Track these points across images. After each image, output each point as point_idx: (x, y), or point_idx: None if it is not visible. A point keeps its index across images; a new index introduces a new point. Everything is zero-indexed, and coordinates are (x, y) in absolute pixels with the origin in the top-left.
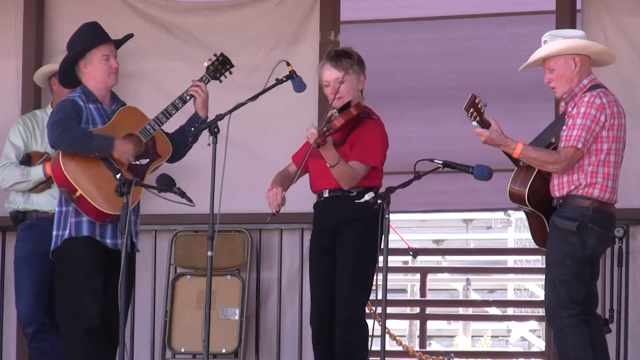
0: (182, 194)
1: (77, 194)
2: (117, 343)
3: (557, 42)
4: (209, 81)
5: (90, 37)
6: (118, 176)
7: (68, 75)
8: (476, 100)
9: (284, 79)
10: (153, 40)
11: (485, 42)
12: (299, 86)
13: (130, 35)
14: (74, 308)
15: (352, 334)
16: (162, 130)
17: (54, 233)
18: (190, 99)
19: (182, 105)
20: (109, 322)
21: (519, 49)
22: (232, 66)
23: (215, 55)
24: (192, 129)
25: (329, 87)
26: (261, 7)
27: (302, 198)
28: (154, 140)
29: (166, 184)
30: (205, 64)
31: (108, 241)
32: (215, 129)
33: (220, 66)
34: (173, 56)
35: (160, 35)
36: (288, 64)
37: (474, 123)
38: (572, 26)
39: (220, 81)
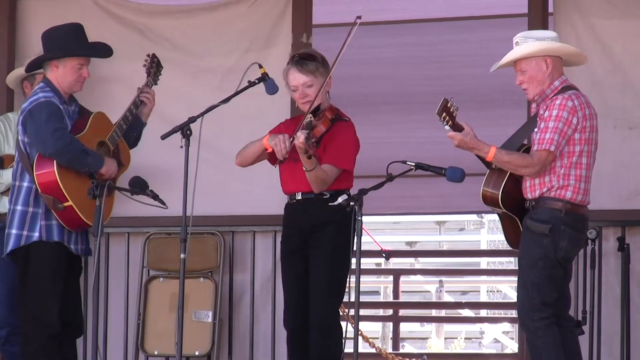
0: (155, 197)
1: (66, 204)
2: (77, 337)
3: (528, 44)
4: (152, 85)
5: (75, 45)
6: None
7: (36, 61)
8: (448, 105)
9: (256, 81)
10: (126, 43)
11: (457, 46)
12: (272, 88)
13: (107, 54)
14: (39, 312)
15: (327, 337)
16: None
17: (14, 232)
18: (141, 104)
19: (136, 111)
20: (69, 321)
21: (491, 54)
22: (162, 67)
23: (148, 56)
24: (135, 134)
25: (296, 92)
26: (234, 10)
27: (275, 200)
28: (118, 149)
29: (139, 187)
30: (145, 66)
31: (72, 246)
32: (188, 132)
33: (157, 69)
34: (145, 59)
35: (133, 38)
36: (260, 67)
37: (447, 127)
38: (544, 29)
39: (156, 84)
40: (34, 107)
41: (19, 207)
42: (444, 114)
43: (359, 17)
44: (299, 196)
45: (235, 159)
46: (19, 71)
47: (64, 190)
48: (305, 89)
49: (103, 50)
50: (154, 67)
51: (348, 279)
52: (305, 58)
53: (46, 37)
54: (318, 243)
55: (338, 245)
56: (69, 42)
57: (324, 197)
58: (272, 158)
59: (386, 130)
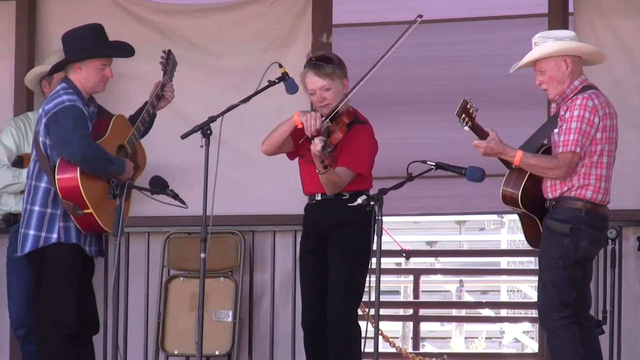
0: (175, 196)
1: (87, 211)
2: (93, 334)
3: (547, 44)
4: (168, 82)
5: (97, 45)
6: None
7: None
8: (467, 106)
9: (277, 80)
10: (145, 41)
11: (476, 46)
12: (291, 88)
13: (129, 53)
14: (58, 313)
15: (344, 338)
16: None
17: (32, 232)
18: (158, 102)
19: (153, 110)
20: (89, 322)
21: (511, 54)
22: (177, 64)
23: (164, 52)
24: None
25: (314, 96)
26: (253, 9)
27: (295, 200)
28: (136, 152)
29: (159, 186)
30: (162, 62)
31: (87, 248)
32: (208, 131)
33: (171, 66)
34: None
35: (152, 37)
36: (280, 66)
37: (466, 128)
38: (564, 29)
39: (171, 81)
40: (60, 111)
41: (36, 208)
42: (464, 115)
43: (420, 16)
44: (318, 197)
45: (261, 145)
46: (37, 70)
47: (85, 197)
48: (322, 92)
49: (125, 50)
50: (170, 65)
51: (368, 279)
52: (321, 61)
53: (67, 39)
54: (336, 243)
55: (356, 246)
56: (90, 43)
57: (343, 197)
58: (291, 152)
59: (405, 130)
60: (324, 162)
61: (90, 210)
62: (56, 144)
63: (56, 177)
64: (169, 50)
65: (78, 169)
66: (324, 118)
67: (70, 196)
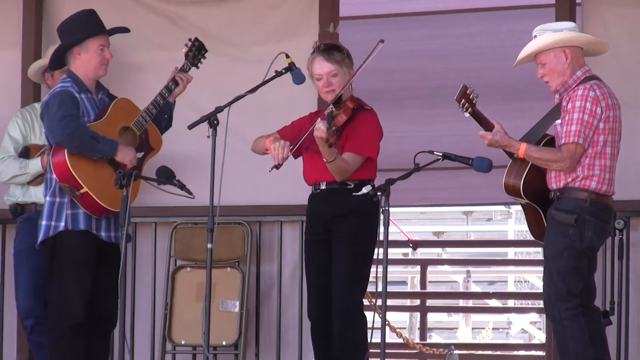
0: (182, 186)
1: (82, 190)
2: (110, 329)
3: (545, 36)
4: (189, 68)
5: (91, 25)
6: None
7: (57, 57)
8: (467, 91)
9: (283, 71)
10: (156, 31)
11: (483, 38)
12: (298, 78)
13: (126, 30)
14: (62, 303)
15: (350, 328)
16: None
17: (44, 223)
18: (175, 87)
19: (169, 95)
20: (106, 315)
21: (517, 46)
22: (207, 51)
23: (190, 40)
24: (166, 115)
25: (321, 81)
26: (263, 0)
27: (302, 190)
28: (147, 133)
29: (166, 176)
30: (184, 51)
31: (103, 234)
32: (215, 121)
33: (197, 52)
34: (177, 47)
35: (164, 26)
36: (287, 56)
37: (466, 114)
38: (572, 19)
39: (198, 67)
40: (49, 98)
41: (48, 199)
42: (463, 101)
43: (382, 41)
44: (323, 186)
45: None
46: (39, 63)
47: (77, 177)
48: (330, 78)
49: (120, 29)
50: (193, 51)
51: (375, 269)
52: (331, 48)
53: (61, 28)
54: (340, 233)
55: (360, 236)
56: (85, 25)
57: (348, 187)
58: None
59: (412, 123)
60: (328, 140)
61: (85, 189)
62: (46, 129)
63: (51, 162)
64: (195, 38)
65: (65, 149)
66: (330, 103)
67: (65, 178)
